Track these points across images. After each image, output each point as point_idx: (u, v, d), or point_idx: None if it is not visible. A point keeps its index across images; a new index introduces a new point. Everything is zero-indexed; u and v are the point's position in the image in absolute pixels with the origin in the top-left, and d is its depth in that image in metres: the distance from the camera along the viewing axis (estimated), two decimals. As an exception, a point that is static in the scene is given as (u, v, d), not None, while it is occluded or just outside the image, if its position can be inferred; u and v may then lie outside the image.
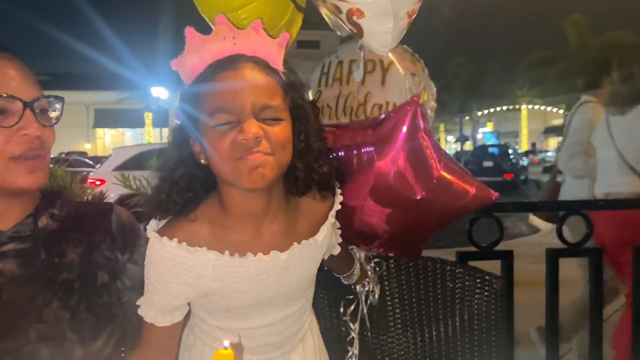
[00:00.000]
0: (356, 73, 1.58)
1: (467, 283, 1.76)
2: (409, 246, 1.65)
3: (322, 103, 1.60)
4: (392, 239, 1.55)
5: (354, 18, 1.33)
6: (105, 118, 31.02)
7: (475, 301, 1.73)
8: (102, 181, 6.68)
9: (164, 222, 1.02)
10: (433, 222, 1.52)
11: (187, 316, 1.12)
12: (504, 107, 36.07)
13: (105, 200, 1.77)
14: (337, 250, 1.28)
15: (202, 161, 0.99)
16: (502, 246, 2.00)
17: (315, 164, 1.07)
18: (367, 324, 1.59)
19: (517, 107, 35.09)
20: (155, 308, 1.02)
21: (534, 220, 3.24)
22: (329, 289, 1.68)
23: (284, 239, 1.05)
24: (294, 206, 1.10)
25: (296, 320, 1.13)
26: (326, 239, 1.13)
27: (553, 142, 41.26)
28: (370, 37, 1.37)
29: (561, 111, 30.45)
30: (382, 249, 1.64)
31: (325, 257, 1.25)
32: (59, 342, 1.00)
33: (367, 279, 1.53)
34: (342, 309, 1.60)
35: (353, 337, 1.50)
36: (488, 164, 20.27)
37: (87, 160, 15.43)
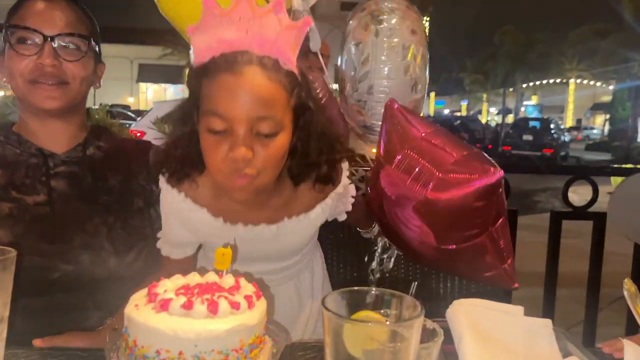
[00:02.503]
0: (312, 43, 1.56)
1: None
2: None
3: None
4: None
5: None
6: (149, 73, 31.44)
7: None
8: (142, 133, 6.90)
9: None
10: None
11: None
12: (551, 81, 34.80)
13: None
14: (342, 217, 1.26)
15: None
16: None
17: (314, 164, 1.07)
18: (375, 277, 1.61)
19: (564, 80, 33.79)
20: (169, 243, 1.17)
21: None
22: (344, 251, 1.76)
23: (277, 213, 1.10)
24: (291, 186, 1.11)
25: (290, 267, 1.25)
26: (320, 217, 1.16)
27: (600, 119, 39.76)
28: None
29: (611, 87, 29.17)
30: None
31: (329, 219, 1.28)
32: (98, 251, 1.19)
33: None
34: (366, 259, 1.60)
35: None
36: (528, 137, 19.84)
37: (129, 113, 15.85)
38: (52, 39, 1.15)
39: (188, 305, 0.70)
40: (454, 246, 1.15)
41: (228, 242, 0.90)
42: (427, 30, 1.53)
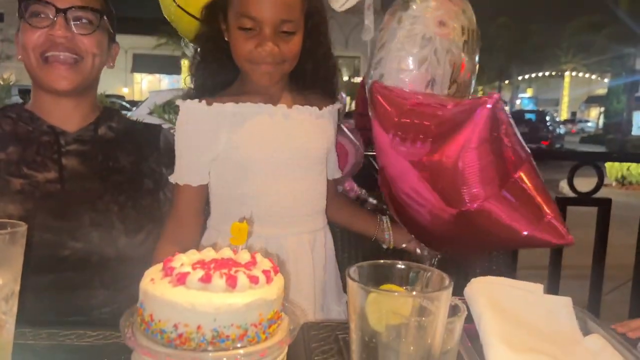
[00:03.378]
0: (365, 32, 1.47)
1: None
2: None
3: None
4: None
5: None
6: (143, 63, 31.19)
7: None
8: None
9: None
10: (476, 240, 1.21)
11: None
12: (546, 73, 34.83)
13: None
14: (332, 175, 1.38)
15: (226, 38, 1.18)
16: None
17: (322, 60, 1.27)
18: None
19: (559, 73, 33.82)
20: (184, 170, 1.21)
21: None
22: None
23: (292, 103, 1.24)
24: (302, 93, 1.29)
25: (305, 201, 1.26)
26: (327, 121, 1.29)
27: (594, 112, 39.89)
28: None
29: (606, 80, 29.23)
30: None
31: (328, 176, 1.36)
32: (108, 230, 1.19)
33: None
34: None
35: None
36: (524, 129, 19.85)
37: (124, 103, 15.72)
38: (65, 11, 1.16)
39: (206, 279, 0.69)
40: (474, 206, 1.07)
41: (244, 217, 0.88)
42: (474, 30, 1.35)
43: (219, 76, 1.24)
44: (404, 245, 1.41)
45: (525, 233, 1.07)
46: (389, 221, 1.44)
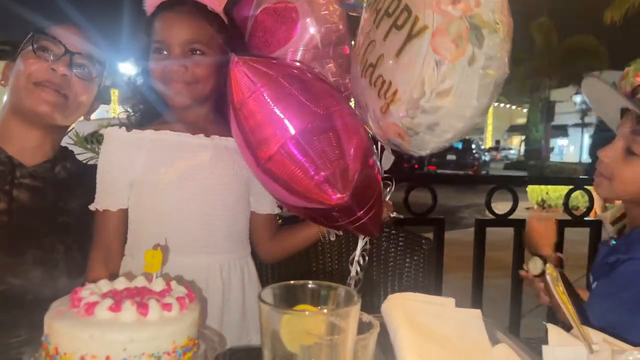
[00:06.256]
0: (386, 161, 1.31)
1: (400, 244, 1.92)
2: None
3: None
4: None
5: None
6: (70, 94, 30.08)
7: (407, 259, 1.89)
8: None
9: None
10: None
11: None
12: (471, 104, 36.70)
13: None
14: (263, 209, 1.37)
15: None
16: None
17: None
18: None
19: (483, 104, 35.74)
20: (103, 195, 1.21)
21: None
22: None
23: (212, 133, 1.27)
24: (227, 125, 1.24)
25: (218, 228, 1.25)
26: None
27: (516, 140, 42.34)
28: None
29: (525, 110, 31.20)
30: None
31: (257, 210, 1.37)
32: (50, 269, 1.16)
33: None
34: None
35: None
36: (451, 157, 20.74)
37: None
38: (72, 54, 1.21)
39: (116, 308, 0.67)
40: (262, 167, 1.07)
41: (158, 244, 0.86)
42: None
43: (146, 109, 1.29)
44: None
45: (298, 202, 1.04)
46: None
